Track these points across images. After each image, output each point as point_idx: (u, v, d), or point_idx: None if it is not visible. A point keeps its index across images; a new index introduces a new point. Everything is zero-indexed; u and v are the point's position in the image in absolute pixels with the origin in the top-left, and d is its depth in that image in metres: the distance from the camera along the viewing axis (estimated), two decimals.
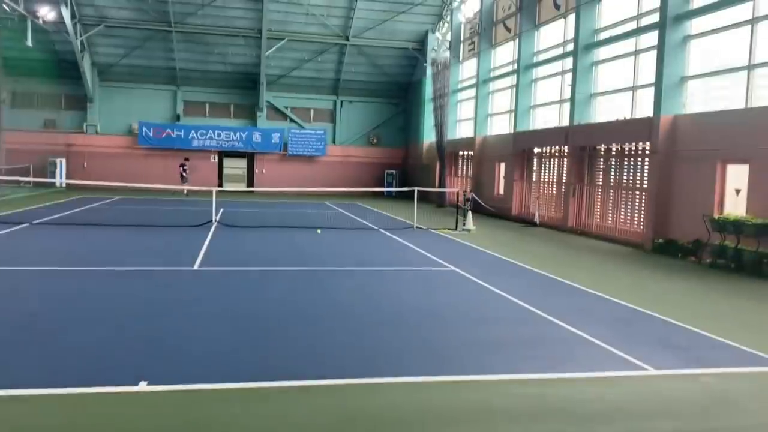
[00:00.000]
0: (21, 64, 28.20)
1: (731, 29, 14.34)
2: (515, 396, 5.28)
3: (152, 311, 7.78)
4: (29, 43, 26.13)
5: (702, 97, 16.08)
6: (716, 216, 13.38)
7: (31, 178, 27.54)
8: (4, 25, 25.65)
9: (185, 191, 28.99)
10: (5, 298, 8.24)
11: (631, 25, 17.73)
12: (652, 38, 16.44)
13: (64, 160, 31.79)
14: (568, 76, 20.38)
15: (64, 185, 31.18)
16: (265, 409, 4.82)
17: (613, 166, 18.15)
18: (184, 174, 30.13)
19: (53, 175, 30.55)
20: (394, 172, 35.82)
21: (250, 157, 35.12)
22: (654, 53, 15.94)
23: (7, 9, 24.78)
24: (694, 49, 15.41)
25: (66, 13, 27.78)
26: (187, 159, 31.53)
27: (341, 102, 36.45)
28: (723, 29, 14.53)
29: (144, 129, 33.42)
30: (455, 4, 30.46)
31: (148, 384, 5.15)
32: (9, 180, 24.58)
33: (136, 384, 5.13)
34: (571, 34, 20.32)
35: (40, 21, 26.73)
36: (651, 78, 16.14)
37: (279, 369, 5.73)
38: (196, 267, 10.96)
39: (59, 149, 32.07)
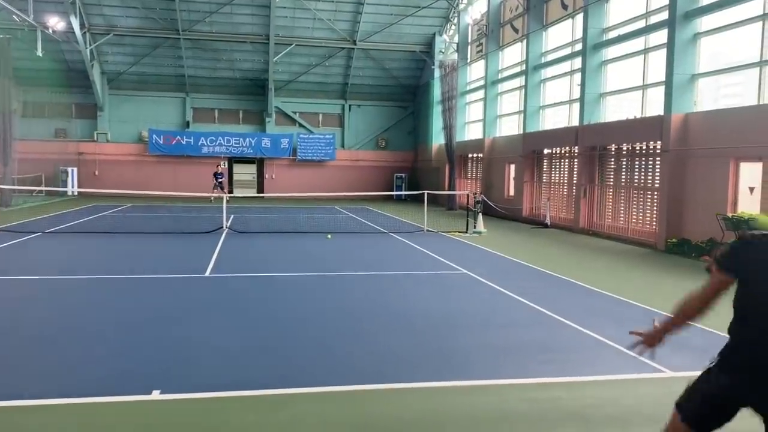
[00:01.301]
0: (32, 74, 28.47)
1: (742, 26, 14.22)
2: (529, 401, 5.21)
3: (164, 319, 7.77)
4: (39, 53, 26.36)
5: (713, 95, 15.96)
6: (730, 214, 13.24)
7: (43, 187, 27.74)
8: (15, 36, 25.87)
9: (212, 198, 28.58)
10: (18, 308, 8.27)
11: (640, 24, 17.62)
12: (661, 36, 16.32)
13: (75, 169, 32.02)
14: (577, 76, 20.27)
15: (75, 193, 31.39)
16: (279, 417, 4.79)
17: (624, 166, 18.03)
18: (217, 181, 29.55)
19: (65, 184, 30.77)
20: (403, 175, 35.80)
21: (260, 163, 35.22)
22: (663, 51, 15.82)
23: (18, 20, 25.01)
24: (704, 47, 15.29)
25: (75, 23, 28.00)
26: (218, 166, 30.85)
27: (349, 106, 36.49)
28: (733, 26, 14.41)
29: (154, 136, 33.61)
30: (462, 6, 30.42)
31: (161, 393, 5.14)
32: (21, 189, 24.77)
33: (149, 393, 5.12)
34: (579, 34, 20.23)
35: (50, 31, 26.96)
36: (661, 76, 16.03)
37: (292, 376, 5.70)
38: (207, 274, 10.97)
39: (70, 158, 32.31)
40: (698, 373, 6.14)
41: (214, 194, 28.18)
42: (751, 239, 2.89)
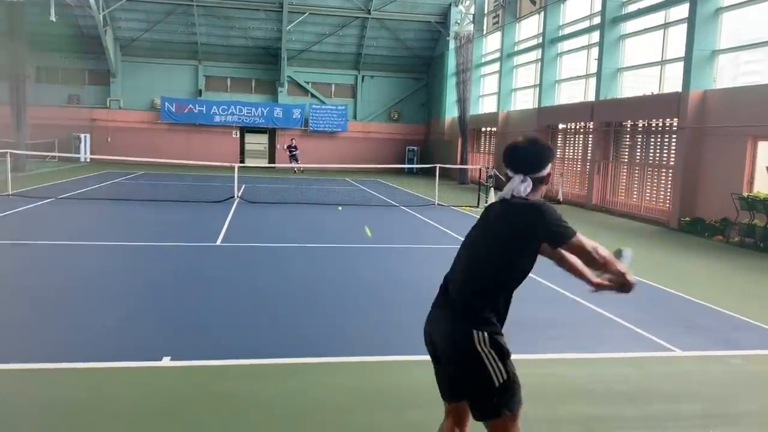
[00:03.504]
0: (45, 39, 28.33)
1: (765, 1, 13.86)
2: (539, 376, 5.22)
3: (175, 287, 7.84)
4: (53, 18, 26.22)
5: (732, 72, 15.66)
6: (746, 194, 13.09)
7: (56, 153, 27.86)
8: (28, 1, 25.72)
9: (298, 169, 31.12)
10: (30, 273, 8.35)
11: None
12: (682, 11, 15.98)
13: (88, 135, 32.09)
14: (595, 50, 19.95)
15: (88, 160, 31.52)
16: (287, 386, 4.82)
17: (639, 143, 17.82)
18: (290, 154, 31.51)
19: (77, 150, 30.88)
20: (415, 148, 35.57)
21: (272, 133, 35.14)
22: (684, 26, 15.50)
23: None
24: (725, 22, 14.95)
25: None
26: (292, 138, 32.57)
27: (362, 77, 36.18)
28: (756, 0, 14.05)
29: (166, 104, 33.56)
30: None
31: (172, 359, 5.19)
32: (34, 155, 24.88)
33: (160, 359, 5.17)
34: (598, 7, 19.85)
35: None
36: (680, 52, 15.73)
37: (300, 345, 5.73)
38: (218, 243, 11.02)
39: (83, 124, 32.35)
40: (709, 353, 6.13)
41: (295, 166, 30.79)
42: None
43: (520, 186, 2.91)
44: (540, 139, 3.11)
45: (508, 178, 2.97)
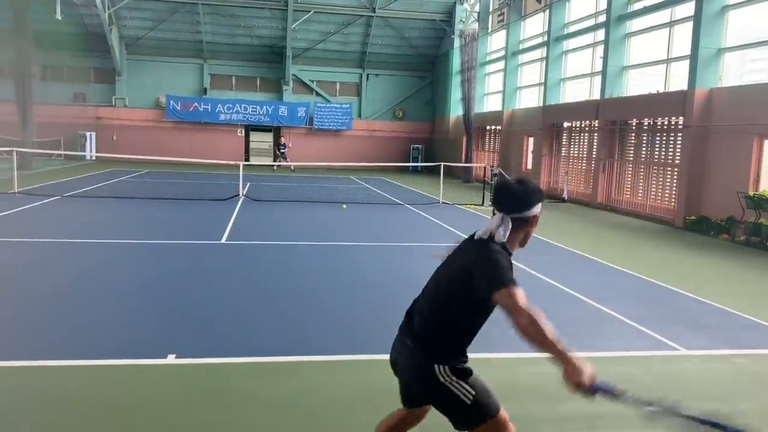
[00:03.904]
0: (50, 37, 28.39)
1: None
2: (542, 374, 5.21)
3: (181, 284, 7.85)
4: (58, 16, 26.28)
5: (738, 70, 15.59)
6: (751, 193, 13.03)
7: (61, 151, 27.92)
8: None
9: (277, 167, 30.86)
10: (36, 270, 8.38)
11: None
12: (688, 9, 15.91)
13: (93, 134, 32.15)
14: (600, 49, 19.89)
15: (93, 158, 31.59)
16: (291, 383, 4.83)
17: (644, 141, 17.77)
18: (279, 152, 31.59)
19: (83, 148, 30.94)
20: (420, 146, 35.55)
21: (276, 131, 35.15)
22: (690, 24, 15.43)
23: None
24: (732, 20, 14.88)
25: None
26: (282, 136, 32.85)
27: (367, 75, 36.15)
28: None
29: (171, 102, 33.60)
30: None
31: (177, 357, 5.20)
32: (40, 153, 24.96)
33: (165, 357, 5.18)
34: (603, 5, 19.77)
35: None
36: (686, 50, 15.67)
37: (304, 343, 5.74)
38: (223, 240, 11.04)
39: (89, 122, 32.41)
40: (713, 352, 6.11)
41: (283, 164, 30.27)
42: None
43: (498, 225, 2.82)
44: (530, 181, 2.99)
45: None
